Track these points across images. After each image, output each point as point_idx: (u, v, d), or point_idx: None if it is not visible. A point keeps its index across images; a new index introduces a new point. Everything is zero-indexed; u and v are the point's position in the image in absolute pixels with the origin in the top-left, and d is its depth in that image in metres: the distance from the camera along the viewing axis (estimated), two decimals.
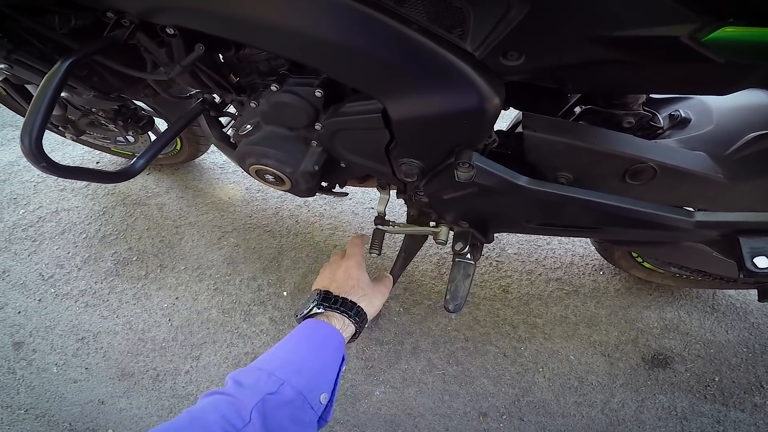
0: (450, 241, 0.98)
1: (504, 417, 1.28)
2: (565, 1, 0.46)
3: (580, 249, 1.56)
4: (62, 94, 1.06)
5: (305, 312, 0.80)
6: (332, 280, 0.86)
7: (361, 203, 1.73)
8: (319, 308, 0.79)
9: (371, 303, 0.85)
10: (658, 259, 1.25)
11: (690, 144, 0.72)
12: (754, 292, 1.41)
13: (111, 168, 1.90)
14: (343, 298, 0.81)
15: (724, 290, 1.44)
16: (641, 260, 1.31)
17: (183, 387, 1.38)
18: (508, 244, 1.58)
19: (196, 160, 1.88)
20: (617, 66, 0.53)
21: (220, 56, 0.81)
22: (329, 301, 0.81)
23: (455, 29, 0.53)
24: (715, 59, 0.47)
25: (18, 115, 1.55)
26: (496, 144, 0.76)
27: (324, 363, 0.70)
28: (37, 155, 0.64)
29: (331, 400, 0.68)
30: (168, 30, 0.67)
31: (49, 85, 0.63)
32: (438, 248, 1.58)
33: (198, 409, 0.58)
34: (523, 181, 0.69)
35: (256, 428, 0.56)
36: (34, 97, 0.63)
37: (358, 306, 0.81)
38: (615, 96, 0.73)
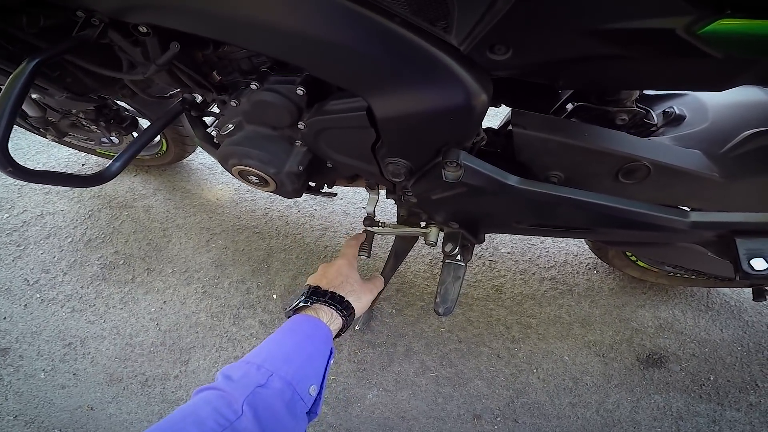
0: (440, 242, 0.96)
1: (498, 419, 1.27)
2: None
3: (573, 248, 1.54)
4: (33, 96, 1.03)
5: (294, 306, 0.81)
6: (323, 276, 0.88)
7: (353, 203, 1.71)
8: (306, 302, 0.80)
9: (359, 298, 0.86)
10: (653, 259, 1.24)
11: (684, 142, 0.70)
12: (748, 290, 1.40)
13: (97, 170, 1.87)
14: (332, 292, 0.82)
15: (718, 288, 1.43)
16: (635, 259, 1.29)
17: (172, 392, 1.36)
18: (501, 243, 1.57)
19: (184, 160, 1.85)
20: (610, 61, 0.51)
21: (200, 54, 0.79)
22: (317, 294, 0.82)
23: (439, 22, 0.51)
24: (712, 53, 0.45)
25: None
26: (484, 142, 0.74)
27: (310, 354, 0.69)
28: (2, 159, 0.62)
29: (320, 393, 0.68)
30: (141, 28, 0.65)
31: (13, 87, 0.61)
32: (431, 248, 1.56)
33: (190, 405, 0.58)
34: (512, 180, 0.67)
35: (248, 420, 0.56)
36: None
37: (346, 300, 0.82)
38: (608, 92, 0.71)
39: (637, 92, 0.74)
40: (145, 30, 0.65)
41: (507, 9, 0.46)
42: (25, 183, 1.81)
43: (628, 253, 1.28)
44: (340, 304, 0.81)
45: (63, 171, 1.72)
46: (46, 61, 0.63)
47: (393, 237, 1.17)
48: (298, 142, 0.81)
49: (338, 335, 0.81)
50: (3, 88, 0.62)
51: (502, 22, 0.47)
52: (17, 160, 0.66)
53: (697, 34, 0.43)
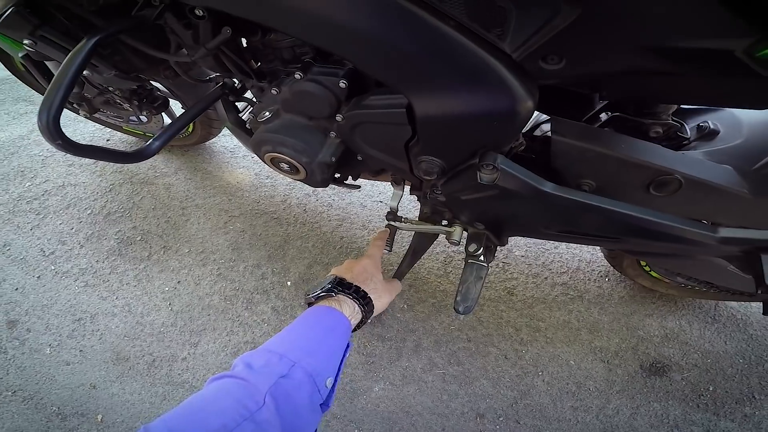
0: (463, 241, 0.98)
1: (501, 419, 1.28)
2: (618, 9, 0.45)
3: (587, 255, 1.56)
4: (83, 73, 1.05)
5: (317, 293, 0.82)
6: (348, 270, 0.89)
7: (370, 196, 1.72)
8: (331, 291, 0.82)
9: (380, 298, 0.88)
10: (669, 270, 1.25)
11: (717, 157, 0.71)
12: (756, 305, 1.42)
13: (120, 146, 1.89)
14: (356, 286, 0.84)
15: (726, 302, 1.45)
16: (648, 269, 1.30)
17: (179, 374, 1.35)
18: (516, 246, 1.58)
19: (207, 143, 1.87)
20: (659, 76, 0.53)
21: (244, 41, 0.80)
22: (342, 286, 0.83)
23: (495, 29, 0.52)
24: (764, 74, 0.46)
25: (32, 91, 1.53)
26: (522, 147, 0.75)
27: (332, 347, 0.71)
28: (54, 133, 0.63)
29: (334, 385, 0.69)
30: (197, 11, 0.66)
31: (72, 63, 0.62)
32: (445, 246, 1.57)
33: (209, 392, 0.58)
34: (548, 187, 0.68)
35: (270, 411, 0.56)
36: (56, 74, 0.62)
37: (369, 296, 0.84)
38: (647, 104, 0.72)
39: (675, 106, 0.74)
40: (201, 13, 0.67)
41: (566, 24, 0.47)
42: (50, 154, 1.84)
43: (642, 263, 1.29)
44: (363, 300, 0.82)
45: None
46: (104, 39, 0.64)
47: (411, 233, 1.18)
48: (333, 134, 0.82)
49: (353, 330, 0.82)
50: (62, 62, 0.63)
51: (560, 35, 0.48)
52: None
53: (756, 56, 0.44)
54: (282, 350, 0.65)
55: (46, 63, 0.98)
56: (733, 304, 1.45)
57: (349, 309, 0.79)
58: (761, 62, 0.44)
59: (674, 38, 0.46)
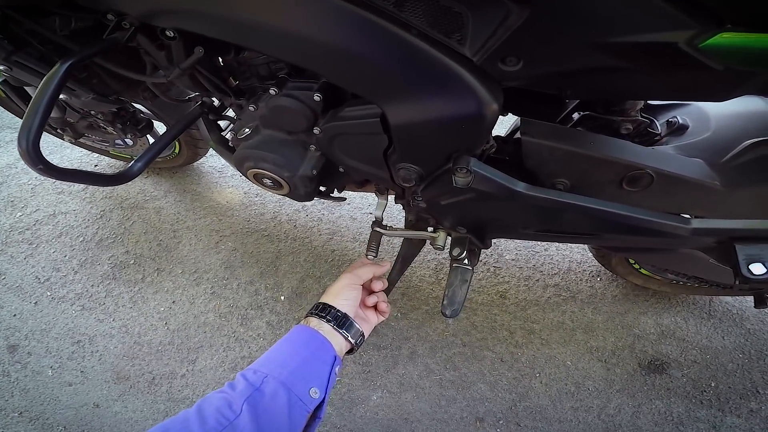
0: (447, 246, 0.98)
1: (501, 422, 1.28)
2: (563, 7, 0.46)
3: (577, 255, 1.56)
4: (61, 96, 1.06)
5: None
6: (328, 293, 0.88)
7: (360, 208, 1.74)
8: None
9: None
10: (655, 266, 1.26)
11: (687, 151, 0.72)
12: (750, 299, 1.42)
13: (109, 171, 1.91)
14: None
15: (720, 297, 1.45)
16: (638, 267, 1.31)
17: (179, 391, 1.38)
18: (506, 250, 1.59)
19: (195, 163, 1.88)
20: (615, 72, 0.54)
21: (220, 59, 0.81)
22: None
23: (454, 34, 0.53)
24: (713, 66, 0.47)
25: (16, 117, 1.55)
26: (494, 150, 0.77)
27: (306, 358, 0.72)
28: (34, 157, 0.64)
29: (324, 397, 0.70)
30: (168, 33, 0.68)
31: (47, 87, 0.63)
32: (436, 254, 1.58)
33: (196, 405, 0.63)
34: (520, 187, 0.70)
35: (246, 419, 0.60)
36: (32, 99, 0.63)
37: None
38: (613, 102, 0.74)
39: (642, 102, 0.76)
40: (172, 34, 0.68)
41: (519, 24, 0.48)
42: (38, 183, 1.85)
43: (631, 261, 1.30)
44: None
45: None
46: (78, 62, 0.65)
47: (400, 242, 1.19)
48: (312, 147, 0.83)
49: (350, 352, 0.83)
50: (37, 87, 0.64)
51: (514, 36, 0.50)
52: None
53: (699, 47, 0.45)
54: (256, 366, 0.70)
55: (25, 88, 0.99)
56: (728, 299, 1.45)
57: (314, 322, 0.80)
58: (705, 53, 0.46)
59: (619, 34, 0.47)
